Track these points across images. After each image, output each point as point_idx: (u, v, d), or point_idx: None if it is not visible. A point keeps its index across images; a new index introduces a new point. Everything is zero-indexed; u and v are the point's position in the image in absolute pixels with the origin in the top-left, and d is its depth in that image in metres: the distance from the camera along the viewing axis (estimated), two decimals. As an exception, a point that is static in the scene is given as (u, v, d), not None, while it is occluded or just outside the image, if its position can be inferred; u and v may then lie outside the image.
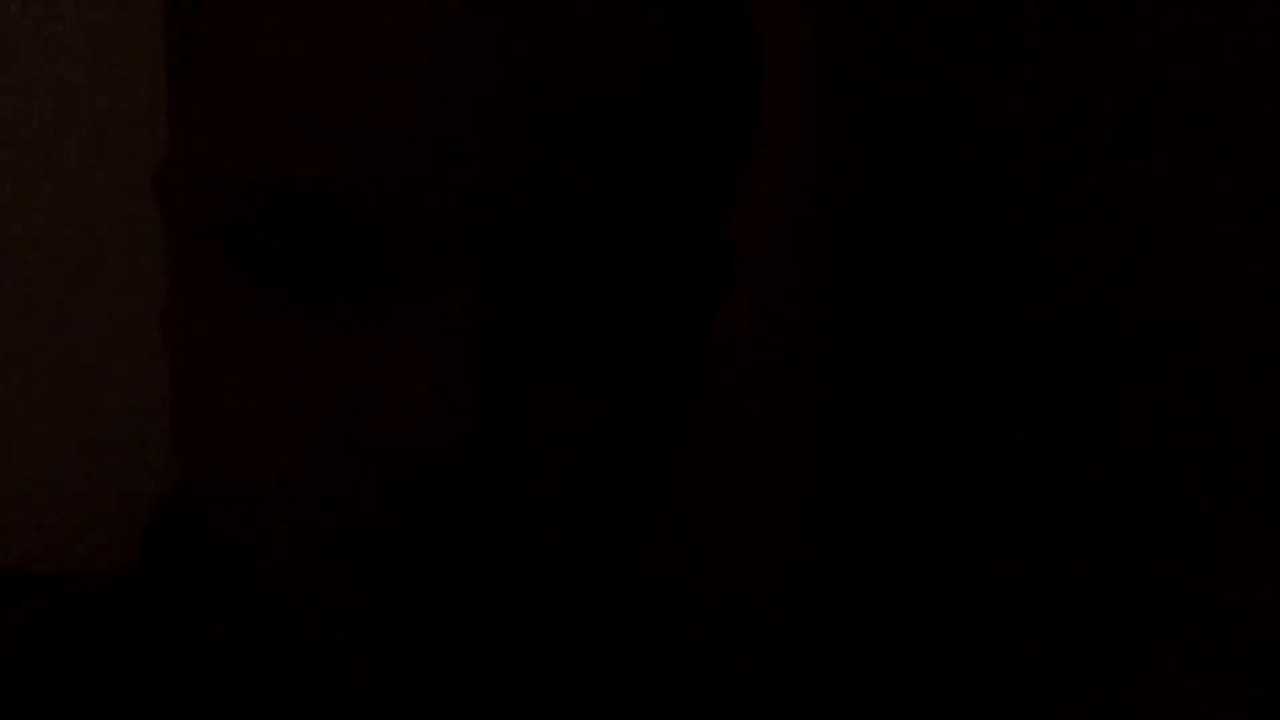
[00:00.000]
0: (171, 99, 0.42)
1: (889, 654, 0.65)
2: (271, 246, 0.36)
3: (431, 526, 0.36)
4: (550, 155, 0.36)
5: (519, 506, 0.37)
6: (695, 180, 0.39)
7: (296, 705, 0.41)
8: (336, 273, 0.37)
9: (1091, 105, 0.51)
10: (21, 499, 0.62)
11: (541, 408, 0.37)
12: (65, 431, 0.61)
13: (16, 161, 0.72)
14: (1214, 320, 0.46)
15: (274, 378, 0.37)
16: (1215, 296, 0.46)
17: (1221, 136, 0.45)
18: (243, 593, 0.40)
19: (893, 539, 0.65)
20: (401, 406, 0.35)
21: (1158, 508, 0.50)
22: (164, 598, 0.44)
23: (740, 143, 0.42)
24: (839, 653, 0.67)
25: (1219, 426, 0.47)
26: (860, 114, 0.66)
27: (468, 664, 0.38)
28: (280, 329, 0.37)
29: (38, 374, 0.64)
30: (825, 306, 0.69)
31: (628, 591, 0.48)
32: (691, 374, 0.42)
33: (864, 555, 0.66)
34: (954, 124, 0.60)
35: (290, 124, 0.36)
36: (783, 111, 0.69)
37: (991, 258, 0.58)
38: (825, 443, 0.69)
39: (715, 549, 0.69)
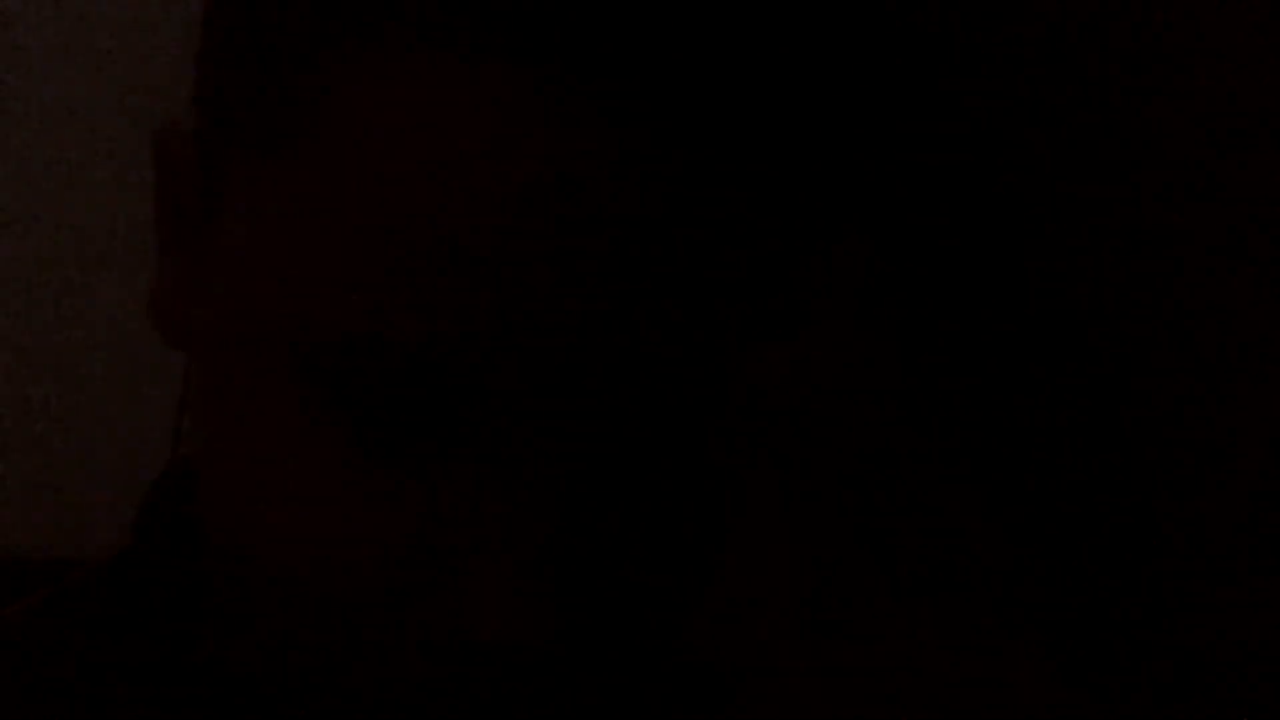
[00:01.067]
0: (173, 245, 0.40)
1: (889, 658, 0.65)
2: (345, 398, 0.34)
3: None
4: (621, 323, 0.34)
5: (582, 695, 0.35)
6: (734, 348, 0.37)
7: (291, 692, 0.41)
8: (413, 425, 0.34)
9: (1091, 105, 0.51)
10: (14, 484, 0.62)
11: (609, 599, 0.35)
12: (58, 417, 0.60)
13: (16, 162, 0.72)
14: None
15: (336, 517, 0.35)
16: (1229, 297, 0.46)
17: (1222, 135, 0.45)
18: (237, 581, 0.40)
19: (896, 543, 0.65)
20: (475, 589, 0.32)
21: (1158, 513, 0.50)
22: (158, 582, 0.44)
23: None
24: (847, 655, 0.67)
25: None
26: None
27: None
28: (346, 471, 0.35)
29: (32, 360, 0.64)
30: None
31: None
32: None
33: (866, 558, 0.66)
34: (953, 125, 0.60)
35: (369, 278, 0.34)
36: None
37: (992, 258, 0.58)
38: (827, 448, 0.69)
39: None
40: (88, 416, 0.60)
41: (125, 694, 0.42)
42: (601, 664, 0.35)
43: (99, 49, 0.72)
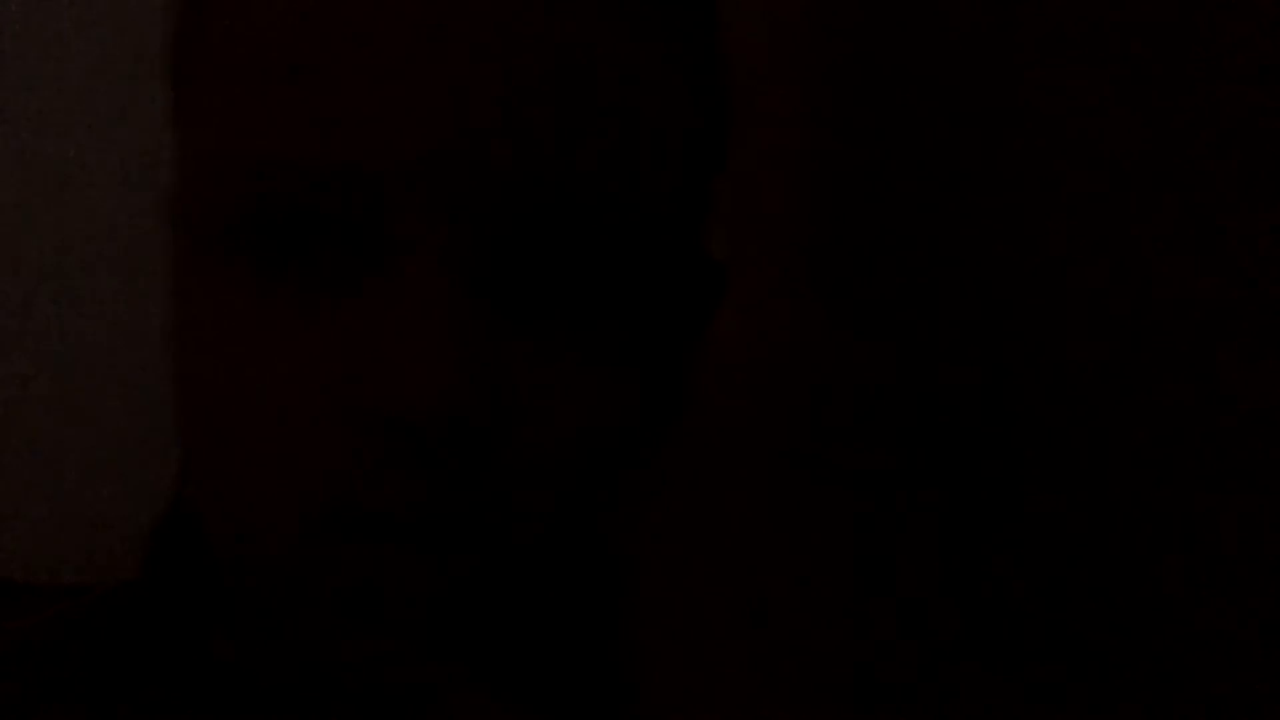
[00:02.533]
0: (176, 106, 0.43)
1: (873, 656, 0.65)
2: (270, 229, 0.38)
3: (416, 494, 0.37)
4: (531, 149, 0.37)
5: (500, 479, 0.38)
6: (667, 182, 0.41)
7: (299, 711, 0.41)
8: (331, 253, 0.38)
9: (1088, 107, 0.51)
10: (21, 509, 0.62)
11: (523, 389, 0.38)
12: (65, 441, 0.61)
13: (15, 162, 0.72)
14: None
15: (270, 357, 0.38)
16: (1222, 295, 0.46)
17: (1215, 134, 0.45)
18: (245, 599, 0.41)
19: (880, 543, 0.65)
20: (388, 376, 0.36)
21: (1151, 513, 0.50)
22: (166, 609, 0.44)
23: (709, 149, 0.43)
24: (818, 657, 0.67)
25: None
26: (857, 117, 0.66)
27: (458, 629, 0.39)
28: (275, 310, 0.38)
29: (37, 382, 0.64)
30: (820, 311, 0.69)
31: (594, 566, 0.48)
32: (674, 375, 0.43)
33: (852, 558, 0.66)
34: (951, 126, 0.60)
35: (290, 111, 0.37)
36: (777, 115, 0.69)
37: (987, 260, 0.58)
38: (815, 449, 0.69)
39: (696, 555, 0.70)
40: (93, 446, 0.60)
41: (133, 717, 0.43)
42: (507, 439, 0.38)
43: (98, 48, 0.71)
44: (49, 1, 0.71)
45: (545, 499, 0.39)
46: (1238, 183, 0.44)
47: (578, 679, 0.47)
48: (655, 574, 0.66)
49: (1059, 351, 0.54)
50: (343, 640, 0.38)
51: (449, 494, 0.37)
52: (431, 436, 0.36)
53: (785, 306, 0.71)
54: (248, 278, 0.38)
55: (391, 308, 0.37)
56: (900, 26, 0.63)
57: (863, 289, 0.67)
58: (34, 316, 0.68)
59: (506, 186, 0.37)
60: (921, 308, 0.62)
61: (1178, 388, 0.48)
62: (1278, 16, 0.41)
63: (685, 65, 0.42)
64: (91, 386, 0.64)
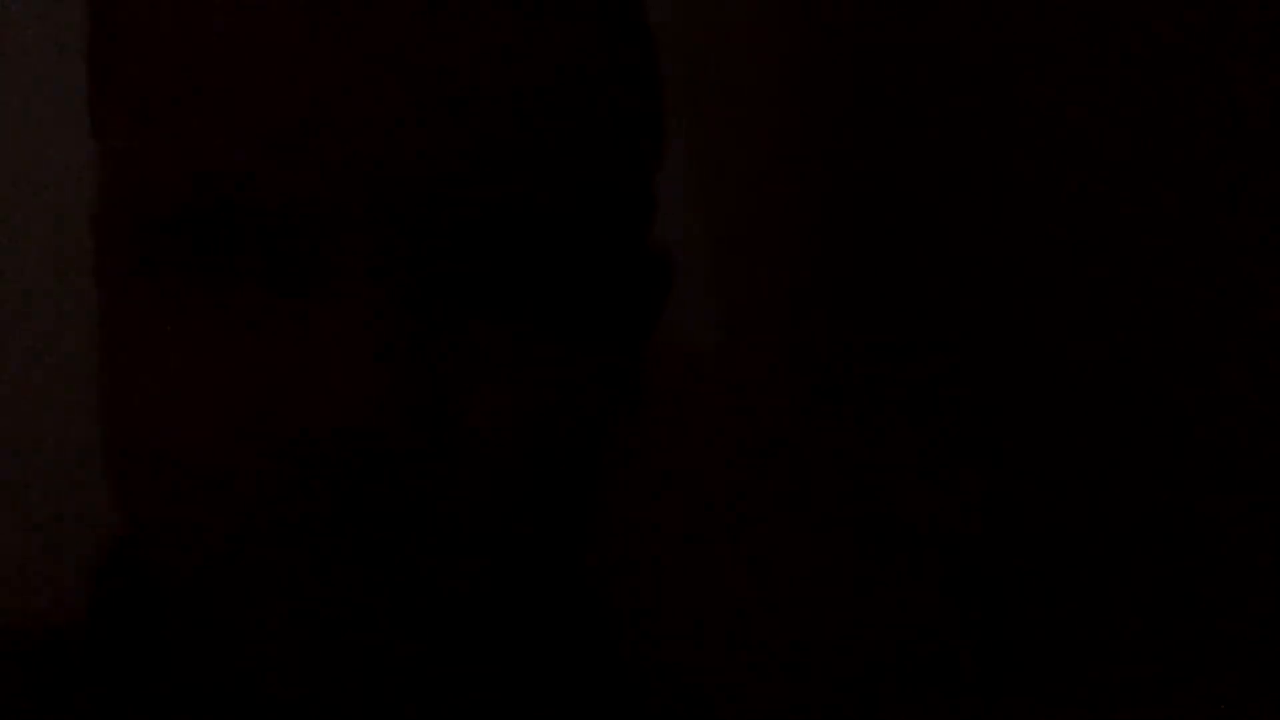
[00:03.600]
0: (93, 118, 0.42)
1: (862, 657, 0.65)
2: (190, 242, 0.37)
3: (356, 512, 0.36)
4: (452, 147, 0.37)
5: (446, 491, 0.37)
6: (601, 170, 0.40)
7: None
8: (255, 268, 0.37)
9: (1084, 109, 0.51)
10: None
11: (464, 395, 0.37)
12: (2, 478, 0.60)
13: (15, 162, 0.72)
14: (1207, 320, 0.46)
15: (196, 375, 0.37)
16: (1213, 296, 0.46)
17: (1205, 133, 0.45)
18: (195, 635, 0.40)
19: (869, 539, 0.65)
20: (318, 392, 0.35)
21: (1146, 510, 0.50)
22: (115, 649, 0.44)
23: (641, 135, 0.43)
24: (811, 656, 0.67)
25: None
26: (842, 114, 0.66)
27: (409, 645, 0.38)
28: (201, 325, 0.37)
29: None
30: (805, 309, 0.69)
31: (568, 582, 0.48)
32: (622, 370, 0.43)
33: (837, 555, 0.67)
34: (939, 124, 0.60)
35: (205, 122, 0.37)
36: (764, 113, 0.69)
37: (976, 256, 0.58)
38: (800, 445, 0.69)
39: (682, 554, 0.70)
40: (29, 477, 0.60)
41: None
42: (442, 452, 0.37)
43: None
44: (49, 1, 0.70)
45: (495, 506, 0.38)
46: (1238, 183, 0.44)
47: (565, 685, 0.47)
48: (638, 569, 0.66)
49: (1059, 352, 0.54)
50: (288, 662, 0.37)
51: (388, 508, 0.37)
52: (353, 463, 0.35)
53: (784, 305, 0.72)
54: (171, 291, 0.38)
55: (322, 325, 0.36)
56: (899, 26, 0.62)
57: (861, 289, 0.67)
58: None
59: (429, 195, 0.37)
60: (920, 308, 0.63)
61: (1178, 388, 0.48)
62: (1278, 16, 0.41)
63: (610, 59, 0.41)
64: (17, 420, 0.63)
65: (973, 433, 0.59)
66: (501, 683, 0.43)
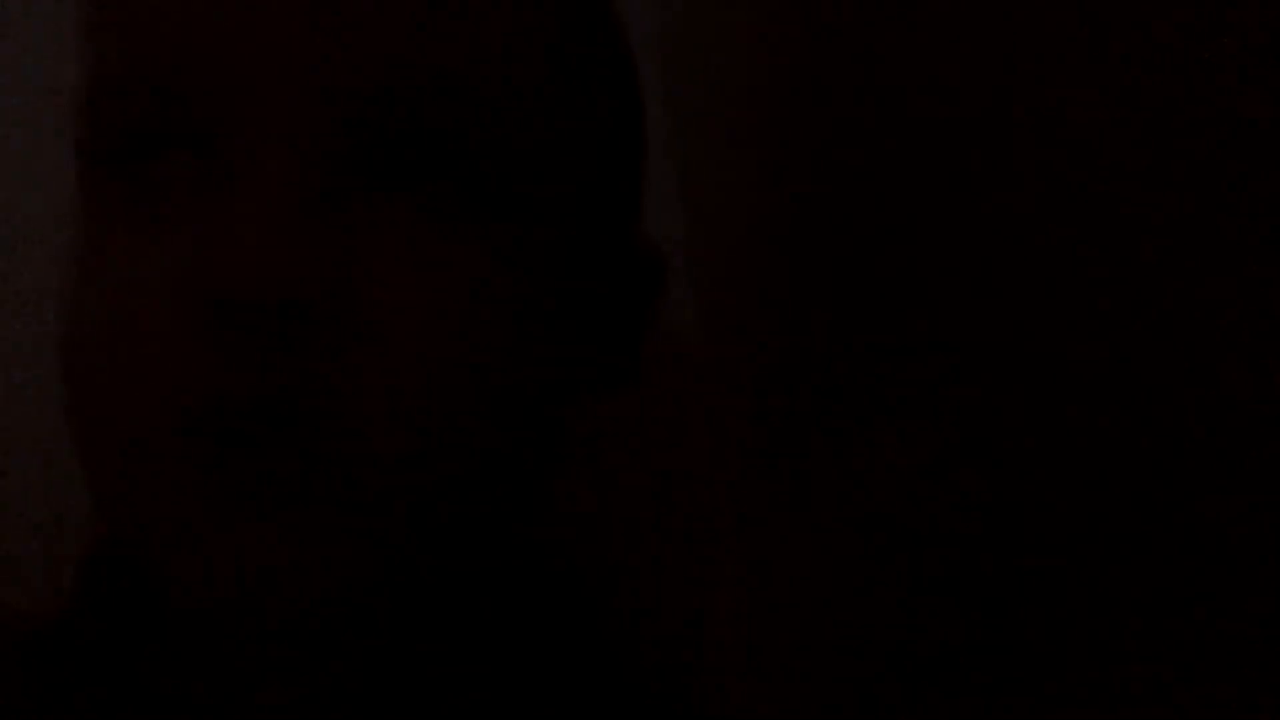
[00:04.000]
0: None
1: (847, 654, 0.65)
2: (119, 140, 0.39)
3: (265, 381, 0.37)
4: (376, 34, 0.38)
5: (355, 370, 0.38)
6: (529, 73, 0.41)
7: None
8: (180, 162, 0.39)
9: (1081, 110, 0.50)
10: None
11: (376, 271, 0.38)
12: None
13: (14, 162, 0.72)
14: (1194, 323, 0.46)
15: (123, 266, 0.39)
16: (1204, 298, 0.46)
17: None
18: (179, 623, 0.40)
19: (854, 540, 0.65)
20: (225, 259, 0.36)
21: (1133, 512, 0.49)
22: (100, 642, 0.44)
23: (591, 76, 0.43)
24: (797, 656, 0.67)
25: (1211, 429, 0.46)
26: (825, 115, 0.66)
27: (322, 539, 0.38)
28: (129, 221, 0.39)
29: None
30: (785, 307, 0.69)
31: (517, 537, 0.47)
32: (622, 344, 0.43)
33: (824, 556, 0.67)
34: (950, 126, 0.59)
35: (132, 29, 0.39)
36: (749, 115, 0.69)
37: (975, 254, 0.57)
38: (781, 442, 0.69)
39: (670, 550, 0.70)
40: (16, 483, 0.59)
41: None
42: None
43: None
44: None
45: (412, 391, 0.38)
46: (1238, 183, 0.44)
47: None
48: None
49: (1059, 351, 0.53)
50: (233, 544, 0.38)
51: (297, 383, 0.37)
52: (266, 318, 0.36)
53: (782, 305, 0.72)
54: (106, 195, 0.40)
55: (232, 201, 0.38)
56: (897, 26, 0.62)
57: (858, 289, 0.67)
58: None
59: (341, 77, 0.38)
60: (920, 308, 0.62)
61: (1178, 388, 0.47)
62: (1278, 16, 0.41)
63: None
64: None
65: (972, 433, 0.59)
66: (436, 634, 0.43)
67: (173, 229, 0.39)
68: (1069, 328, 0.53)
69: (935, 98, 0.59)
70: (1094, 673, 0.54)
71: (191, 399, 0.37)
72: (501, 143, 0.39)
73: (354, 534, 0.37)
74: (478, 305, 0.39)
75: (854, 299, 0.65)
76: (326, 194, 0.38)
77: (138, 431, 0.38)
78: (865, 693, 0.63)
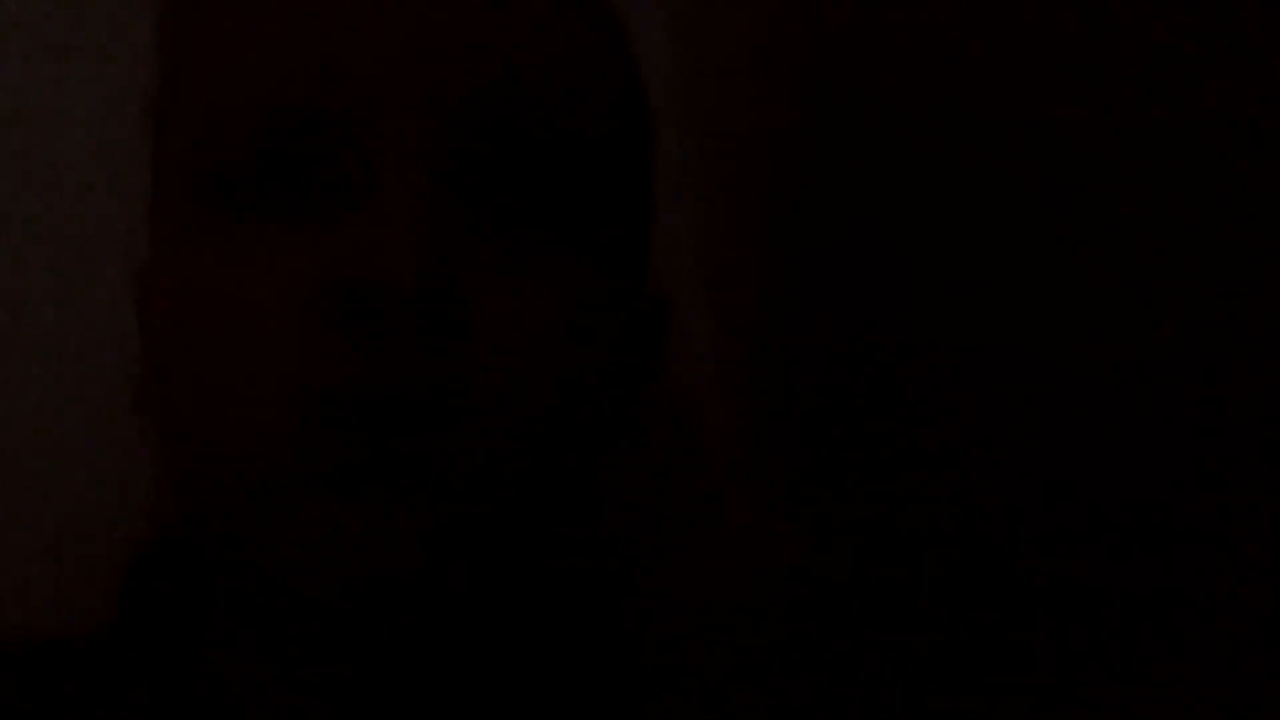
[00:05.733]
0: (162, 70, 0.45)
1: (853, 653, 0.65)
2: (249, 168, 0.40)
3: (391, 374, 0.38)
4: (489, 65, 0.40)
5: (470, 369, 0.39)
6: (613, 117, 0.44)
7: None
8: (310, 186, 0.40)
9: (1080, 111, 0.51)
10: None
11: (492, 287, 0.40)
12: (29, 490, 0.59)
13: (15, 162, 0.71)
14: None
15: (249, 282, 0.40)
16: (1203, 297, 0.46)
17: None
18: (227, 630, 0.41)
19: (860, 540, 0.65)
20: (362, 258, 0.38)
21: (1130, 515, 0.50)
22: (147, 657, 0.44)
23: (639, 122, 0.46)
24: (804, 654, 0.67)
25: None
26: (854, 118, 0.66)
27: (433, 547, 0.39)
28: (256, 241, 0.40)
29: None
30: (788, 311, 0.69)
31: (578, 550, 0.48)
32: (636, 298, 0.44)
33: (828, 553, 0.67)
34: (950, 127, 0.60)
35: (263, 60, 0.40)
36: (752, 121, 0.69)
37: (986, 260, 0.58)
38: (789, 443, 0.69)
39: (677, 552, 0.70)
40: (63, 494, 0.59)
41: None
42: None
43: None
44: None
45: (517, 401, 0.40)
46: (1238, 183, 0.44)
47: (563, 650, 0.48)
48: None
49: (1058, 351, 0.54)
50: (337, 540, 0.39)
51: (422, 374, 0.39)
52: (403, 307, 0.38)
53: (784, 306, 0.71)
54: (229, 218, 0.40)
55: (366, 217, 0.39)
56: (897, 26, 0.62)
57: (858, 291, 0.67)
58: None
59: (469, 100, 0.40)
60: (920, 309, 0.62)
61: (1178, 388, 0.48)
62: (1278, 16, 0.41)
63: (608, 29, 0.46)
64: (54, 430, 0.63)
65: (972, 433, 0.59)
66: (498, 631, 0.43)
67: (305, 248, 0.40)
68: (1069, 328, 0.53)
69: (938, 98, 0.59)
70: (1093, 673, 0.54)
71: (317, 388, 0.38)
72: (586, 168, 0.41)
73: (457, 524, 0.38)
74: (571, 317, 0.40)
75: (855, 299, 0.65)
76: (447, 202, 0.40)
77: (263, 423, 0.39)
78: (865, 693, 0.64)
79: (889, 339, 0.64)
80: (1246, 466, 0.46)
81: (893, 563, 0.65)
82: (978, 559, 0.60)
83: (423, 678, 0.41)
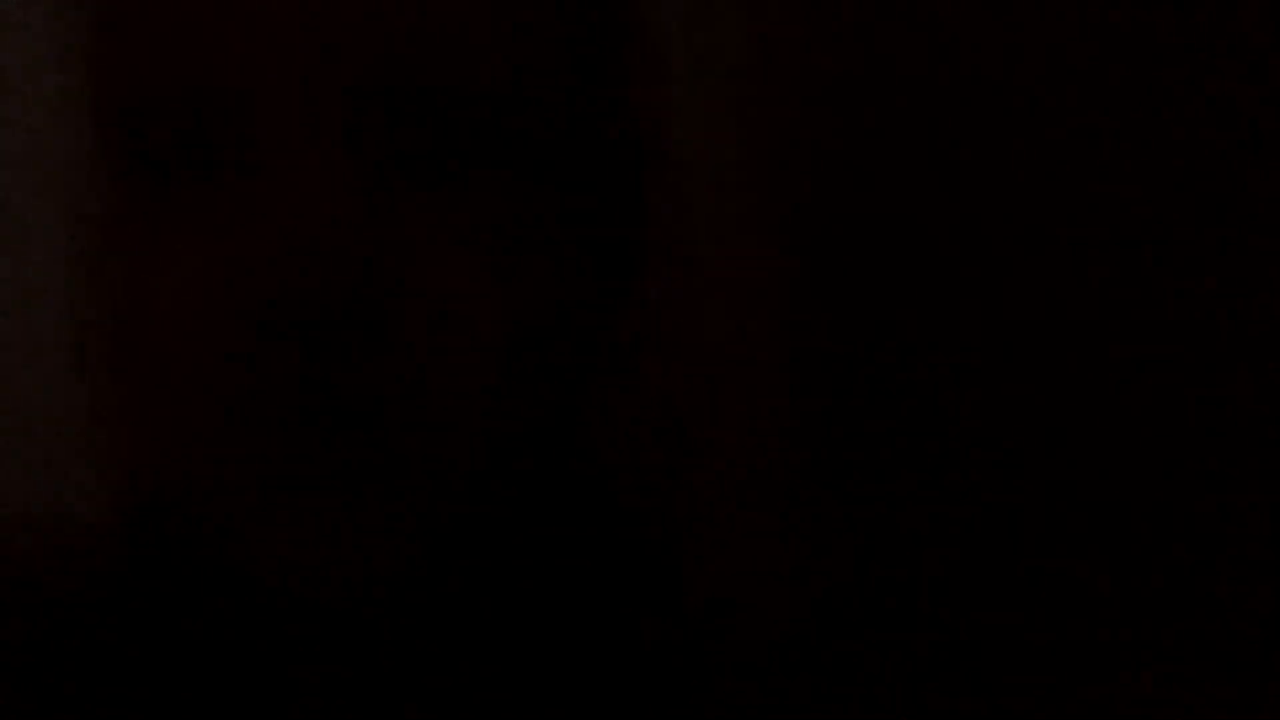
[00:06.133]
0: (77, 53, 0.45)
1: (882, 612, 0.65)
2: (161, 148, 0.40)
3: (320, 381, 0.38)
4: (400, 34, 0.39)
5: (407, 358, 0.38)
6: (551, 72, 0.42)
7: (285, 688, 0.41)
8: (215, 161, 0.40)
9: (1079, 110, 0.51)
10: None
11: (421, 262, 0.39)
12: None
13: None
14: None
15: (166, 267, 0.39)
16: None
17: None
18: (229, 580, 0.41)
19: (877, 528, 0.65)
20: (276, 264, 0.37)
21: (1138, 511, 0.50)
22: (152, 599, 0.44)
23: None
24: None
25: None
26: (855, 117, 0.66)
27: (386, 525, 0.39)
28: (168, 218, 0.40)
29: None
30: (808, 301, 0.69)
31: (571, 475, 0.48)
32: (608, 256, 0.43)
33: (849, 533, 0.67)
34: (950, 126, 0.60)
35: (172, 43, 0.40)
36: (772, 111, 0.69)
37: (987, 260, 0.58)
38: (809, 433, 0.69)
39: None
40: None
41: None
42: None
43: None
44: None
45: (457, 376, 0.39)
46: (1238, 183, 0.44)
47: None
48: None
49: (1058, 352, 0.54)
50: (269, 540, 0.38)
51: (351, 374, 0.38)
52: (318, 314, 0.37)
53: (784, 304, 0.71)
54: (142, 194, 0.40)
55: (273, 198, 0.39)
56: (898, 27, 0.62)
57: (861, 289, 0.67)
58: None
59: (372, 80, 0.39)
60: (920, 308, 0.62)
61: (1179, 388, 0.48)
62: (1278, 16, 0.41)
63: None
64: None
65: (971, 433, 0.59)
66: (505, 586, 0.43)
67: (215, 228, 0.39)
68: (1069, 328, 0.53)
69: (940, 99, 0.59)
70: (1093, 673, 0.54)
71: (248, 394, 0.38)
72: (508, 131, 0.40)
73: (404, 515, 0.38)
74: (511, 289, 0.40)
75: (857, 299, 0.65)
76: (364, 189, 0.39)
77: (195, 422, 0.39)
78: (867, 693, 0.63)
79: (892, 339, 0.63)
80: (1247, 466, 0.46)
81: (894, 563, 0.64)
82: (978, 559, 0.60)
83: (423, 677, 0.41)
